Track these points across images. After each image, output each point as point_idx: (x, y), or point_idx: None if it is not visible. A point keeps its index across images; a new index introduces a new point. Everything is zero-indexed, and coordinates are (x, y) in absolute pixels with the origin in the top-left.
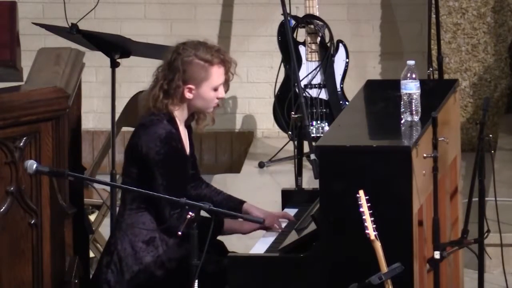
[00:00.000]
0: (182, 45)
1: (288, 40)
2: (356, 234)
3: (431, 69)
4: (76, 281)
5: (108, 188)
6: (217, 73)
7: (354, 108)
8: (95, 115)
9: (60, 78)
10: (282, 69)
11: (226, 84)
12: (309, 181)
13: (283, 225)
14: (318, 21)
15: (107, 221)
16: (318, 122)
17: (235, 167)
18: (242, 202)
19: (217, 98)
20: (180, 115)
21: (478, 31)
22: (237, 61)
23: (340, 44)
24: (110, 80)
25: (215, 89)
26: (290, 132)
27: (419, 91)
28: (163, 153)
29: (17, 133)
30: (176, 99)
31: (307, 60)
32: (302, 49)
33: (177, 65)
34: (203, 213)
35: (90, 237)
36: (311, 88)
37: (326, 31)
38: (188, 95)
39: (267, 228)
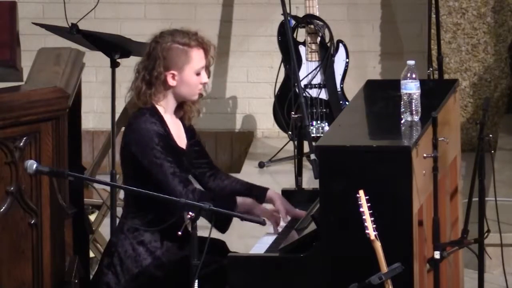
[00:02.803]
0: (159, 34)
1: (288, 40)
2: (356, 234)
3: (431, 69)
4: (76, 281)
5: (108, 188)
6: (197, 56)
7: (354, 108)
8: (95, 115)
9: (60, 78)
10: (282, 69)
11: (207, 69)
12: (309, 181)
13: (282, 226)
14: (318, 21)
15: (107, 221)
16: (318, 122)
17: (235, 167)
18: (265, 189)
19: (201, 84)
20: (165, 105)
21: (478, 31)
22: (237, 61)
23: (340, 44)
24: (110, 80)
25: (198, 74)
26: (290, 132)
27: (419, 91)
28: (154, 143)
29: (17, 133)
30: (159, 87)
31: (307, 60)
32: (302, 49)
33: (157, 53)
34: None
35: (90, 237)
36: (311, 88)
37: (326, 31)
38: (172, 81)
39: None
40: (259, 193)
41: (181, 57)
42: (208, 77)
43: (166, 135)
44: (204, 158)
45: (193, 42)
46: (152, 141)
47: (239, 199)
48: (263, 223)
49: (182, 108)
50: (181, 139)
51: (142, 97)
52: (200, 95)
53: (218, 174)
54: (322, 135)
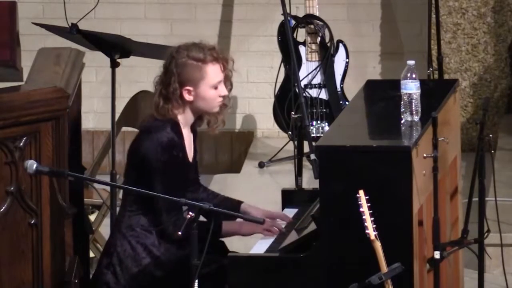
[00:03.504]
0: (176, 48)
1: (288, 40)
2: (356, 234)
3: (431, 69)
4: (76, 281)
5: (108, 188)
6: (212, 71)
7: (354, 108)
8: (95, 115)
9: (60, 78)
10: (282, 69)
11: (228, 81)
12: (309, 181)
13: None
14: (318, 21)
15: (107, 221)
16: (318, 122)
17: (235, 167)
18: (239, 203)
19: (219, 96)
20: (183, 119)
21: (478, 31)
22: (237, 61)
23: (340, 44)
24: (110, 80)
25: (215, 88)
26: (290, 132)
27: (419, 91)
28: (163, 161)
29: (17, 133)
30: (176, 103)
31: (307, 60)
32: (302, 49)
33: (172, 68)
34: (200, 218)
35: (90, 237)
36: (311, 88)
37: (326, 31)
38: (188, 97)
39: (267, 231)
40: (232, 206)
41: (196, 73)
42: (231, 89)
43: (180, 154)
44: (195, 173)
45: (208, 57)
46: (161, 158)
47: (225, 225)
48: (262, 223)
49: (201, 118)
50: (191, 152)
51: (161, 111)
52: (224, 105)
53: (198, 187)
54: (322, 135)
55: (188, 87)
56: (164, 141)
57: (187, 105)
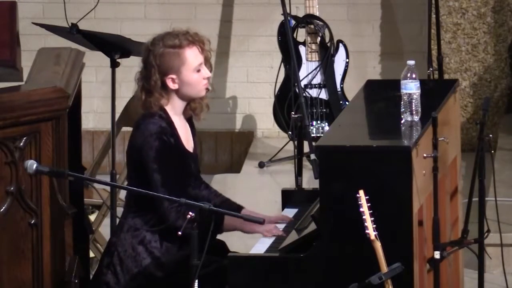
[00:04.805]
0: (151, 41)
1: (288, 40)
2: (356, 234)
3: (431, 69)
4: (76, 281)
5: (108, 188)
6: (191, 54)
7: (354, 108)
8: (95, 115)
9: (60, 78)
10: (282, 69)
11: (208, 63)
12: (309, 181)
13: (282, 226)
14: (318, 21)
15: (107, 221)
16: (318, 122)
17: (235, 167)
18: (240, 207)
19: (204, 79)
20: (172, 108)
21: (478, 31)
22: (237, 61)
23: (340, 44)
24: (110, 80)
25: (197, 71)
26: (290, 132)
27: (419, 91)
28: (155, 148)
29: (17, 133)
30: (159, 94)
31: (307, 60)
32: (302, 49)
33: (151, 61)
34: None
35: (90, 237)
36: (311, 88)
37: (326, 31)
38: (173, 85)
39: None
40: (233, 209)
41: (175, 60)
42: (211, 70)
43: (171, 140)
44: (196, 166)
45: (184, 41)
46: (153, 145)
47: (227, 219)
48: (262, 223)
49: (189, 106)
50: (188, 142)
51: (146, 105)
52: (207, 89)
53: (200, 183)
54: (322, 135)
55: (171, 76)
56: (152, 129)
57: (172, 93)
